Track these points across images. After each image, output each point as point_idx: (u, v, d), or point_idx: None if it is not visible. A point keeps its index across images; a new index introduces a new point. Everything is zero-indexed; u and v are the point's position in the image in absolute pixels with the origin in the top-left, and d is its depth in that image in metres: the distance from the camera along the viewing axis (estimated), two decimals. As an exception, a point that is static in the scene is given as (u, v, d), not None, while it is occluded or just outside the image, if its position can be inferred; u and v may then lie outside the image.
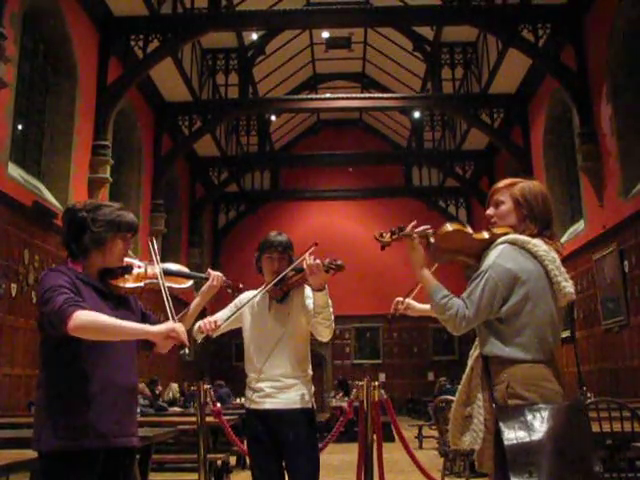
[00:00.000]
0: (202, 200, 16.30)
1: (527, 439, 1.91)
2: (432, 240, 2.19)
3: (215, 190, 16.58)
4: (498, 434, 1.99)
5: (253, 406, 2.87)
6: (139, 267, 2.28)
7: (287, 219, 18.22)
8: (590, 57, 10.09)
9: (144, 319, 2.36)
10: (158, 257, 2.35)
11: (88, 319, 1.96)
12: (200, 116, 13.30)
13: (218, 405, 4.69)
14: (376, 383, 4.14)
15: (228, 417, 5.25)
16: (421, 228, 2.21)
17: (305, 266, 2.69)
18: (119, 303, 2.24)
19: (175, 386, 10.38)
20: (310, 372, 2.96)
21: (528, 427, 1.93)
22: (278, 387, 2.83)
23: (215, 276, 2.52)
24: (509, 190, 2.23)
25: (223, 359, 17.75)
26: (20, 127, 8.64)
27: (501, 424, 1.98)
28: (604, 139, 9.63)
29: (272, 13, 11.67)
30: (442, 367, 17.36)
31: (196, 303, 2.53)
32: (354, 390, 4.20)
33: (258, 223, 18.26)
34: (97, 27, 10.28)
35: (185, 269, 2.46)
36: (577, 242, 10.71)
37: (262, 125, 17.15)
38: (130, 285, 2.25)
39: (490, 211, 2.27)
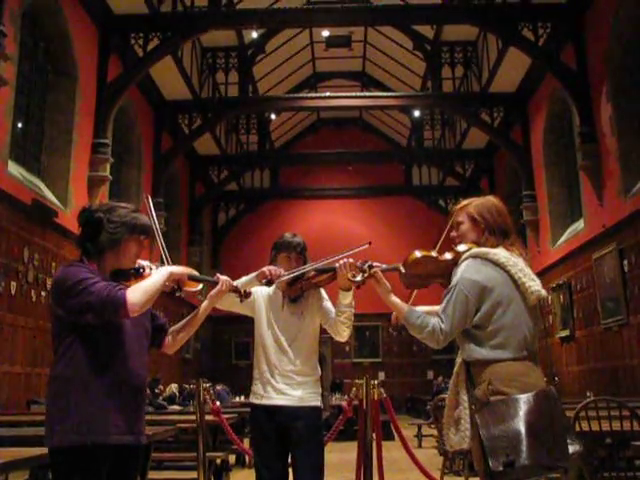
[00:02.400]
0: (202, 198, 16.30)
1: (502, 427, 2.07)
2: (403, 270, 2.42)
3: (215, 188, 16.57)
4: (478, 430, 2.13)
5: (264, 402, 2.88)
6: (150, 268, 2.29)
7: (287, 218, 18.21)
8: (590, 56, 10.08)
9: (153, 320, 2.40)
10: (155, 214, 2.44)
11: (138, 294, 2.07)
12: (200, 114, 13.30)
13: (217, 404, 4.69)
14: (375, 382, 4.14)
15: (227, 416, 5.25)
16: (379, 266, 2.46)
17: (338, 265, 2.75)
18: None
19: (174, 386, 10.44)
20: (319, 372, 3.01)
21: (503, 417, 2.08)
22: (290, 384, 2.87)
23: (224, 281, 2.53)
24: (465, 210, 2.42)
25: (223, 358, 17.77)
26: (20, 125, 8.64)
27: (478, 419, 2.14)
28: (604, 138, 9.63)
29: (272, 11, 11.67)
30: (442, 366, 17.30)
31: (204, 306, 2.54)
32: (353, 389, 4.19)
33: (258, 222, 18.25)
34: (97, 25, 10.27)
35: (195, 272, 2.48)
36: (577, 241, 10.72)
37: (262, 124, 17.14)
38: None
39: (453, 233, 2.46)
